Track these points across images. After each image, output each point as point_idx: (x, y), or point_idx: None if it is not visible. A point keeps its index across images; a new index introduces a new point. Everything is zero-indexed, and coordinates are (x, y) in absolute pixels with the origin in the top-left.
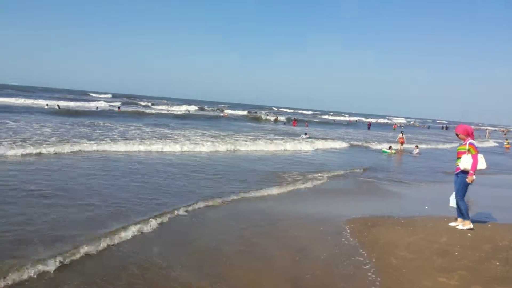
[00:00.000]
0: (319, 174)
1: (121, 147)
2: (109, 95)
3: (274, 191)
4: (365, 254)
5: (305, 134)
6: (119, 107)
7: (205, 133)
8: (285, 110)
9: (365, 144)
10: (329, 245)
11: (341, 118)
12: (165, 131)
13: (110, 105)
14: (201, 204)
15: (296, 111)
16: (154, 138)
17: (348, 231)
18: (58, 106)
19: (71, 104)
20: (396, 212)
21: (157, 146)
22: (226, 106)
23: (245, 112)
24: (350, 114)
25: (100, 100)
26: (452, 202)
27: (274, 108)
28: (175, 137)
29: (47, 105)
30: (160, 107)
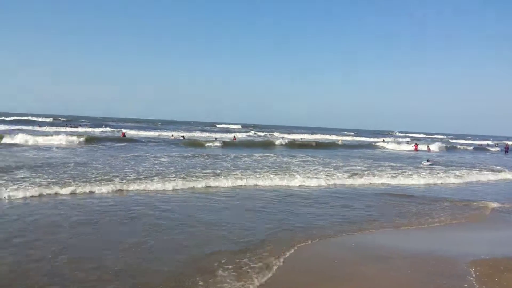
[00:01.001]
0: (446, 204)
1: (236, 181)
2: (239, 126)
3: (389, 225)
4: None
5: (427, 160)
6: (234, 137)
7: (315, 160)
8: (413, 135)
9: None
10: None
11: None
12: (274, 159)
13: (245, 135)
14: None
15: (428, 136)
16: (265, 168)
17: (473, 275)
18: (183, 136)
19: (193, 134)
20: None
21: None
22: (352, 133)
23: (367, 138)
24: (495, 138)
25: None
26: None
27: (397, 132)
28: (284, 166)
29: (172, 136)
30: (281, 135)
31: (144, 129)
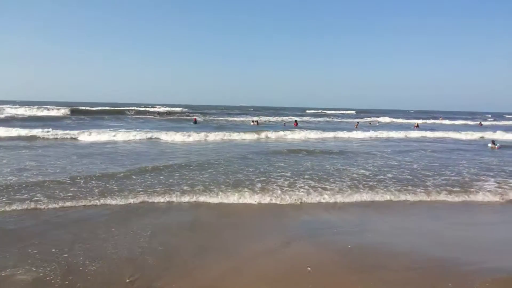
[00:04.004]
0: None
1: None
2: (353, 112)
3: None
4: None
5: (493, 142)
6: (296, 122)
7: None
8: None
9: None
10: None
11: None
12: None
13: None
14: None
15: None
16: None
17: None
18: (257, 121)
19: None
20: None
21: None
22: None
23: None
24: None
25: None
26: None
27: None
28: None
29: (252, 122)
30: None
31: (232, 115)
